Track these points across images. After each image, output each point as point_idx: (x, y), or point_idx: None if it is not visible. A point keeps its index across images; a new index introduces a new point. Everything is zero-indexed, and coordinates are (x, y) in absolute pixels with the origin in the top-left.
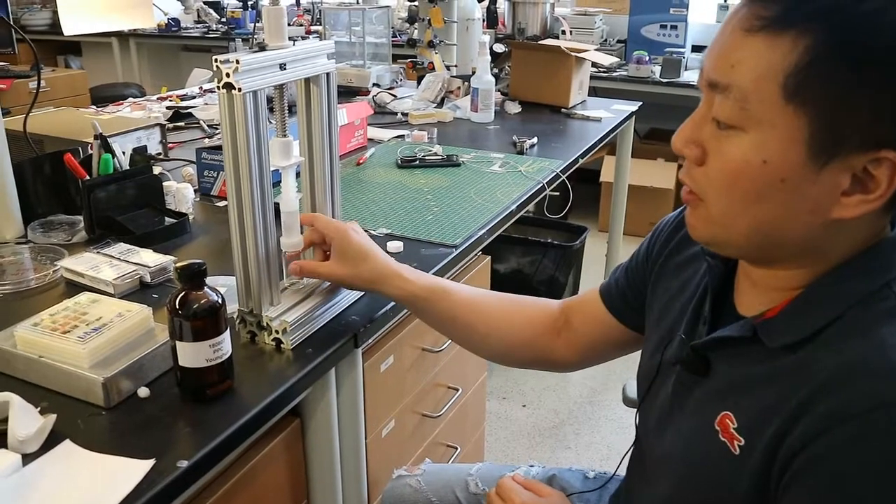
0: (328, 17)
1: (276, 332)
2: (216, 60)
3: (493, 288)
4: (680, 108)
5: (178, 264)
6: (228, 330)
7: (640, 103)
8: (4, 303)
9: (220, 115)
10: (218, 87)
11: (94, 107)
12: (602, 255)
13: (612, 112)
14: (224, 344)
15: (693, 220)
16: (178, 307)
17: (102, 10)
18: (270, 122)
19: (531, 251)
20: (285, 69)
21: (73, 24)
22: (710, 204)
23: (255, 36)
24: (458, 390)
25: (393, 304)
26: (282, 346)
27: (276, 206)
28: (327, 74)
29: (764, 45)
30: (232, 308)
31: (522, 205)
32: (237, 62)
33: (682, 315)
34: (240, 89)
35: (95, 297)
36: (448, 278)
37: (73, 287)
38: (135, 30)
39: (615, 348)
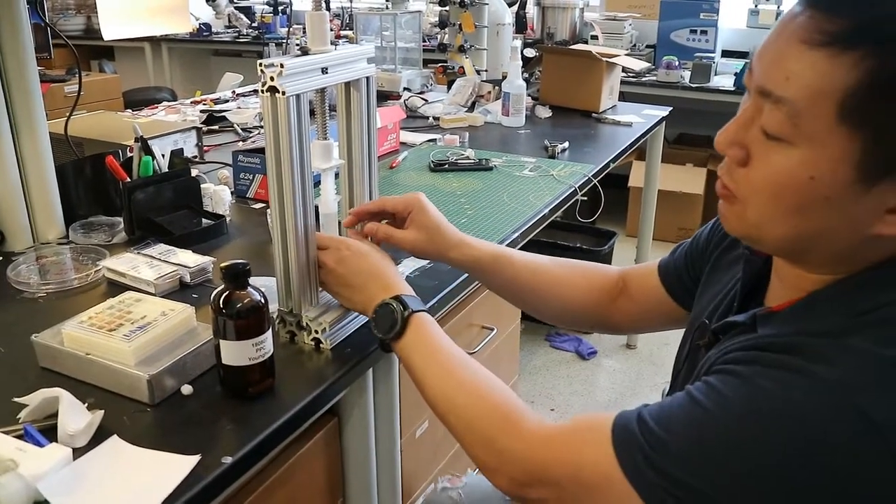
0: (359, 22)
1: (316, 332)
2: (260, 64)
3: None
4: (709, 113)
5: (223, 264)
6: (271, 329)
7: (671, 108)
8: (48, 302)
9: (263, 118)
10: (262, 91)
11: (130, 110)
12: (631, 260)
13: (643, 117)
14: (266, 343)
15: (727, 214)
16: (221, 306)
17: (141, 15)
18: (311, 125)
19: (560, 255)
20: (327, 73)
21: (112, 29)
22: (747, 206)
23: (289, 41)
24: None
25: (429, 305)
26: (321, 346)
27: (316, 207)
28: (367, 78)
29: (824, 62)
30: (272, 308)
31: (555, 209)
32: (281, 66)
33: (720, 305)
34: (283, 92)
35: (139, 296)
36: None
37: (115, 287)
38: (167, 35)
39: (666, 322)
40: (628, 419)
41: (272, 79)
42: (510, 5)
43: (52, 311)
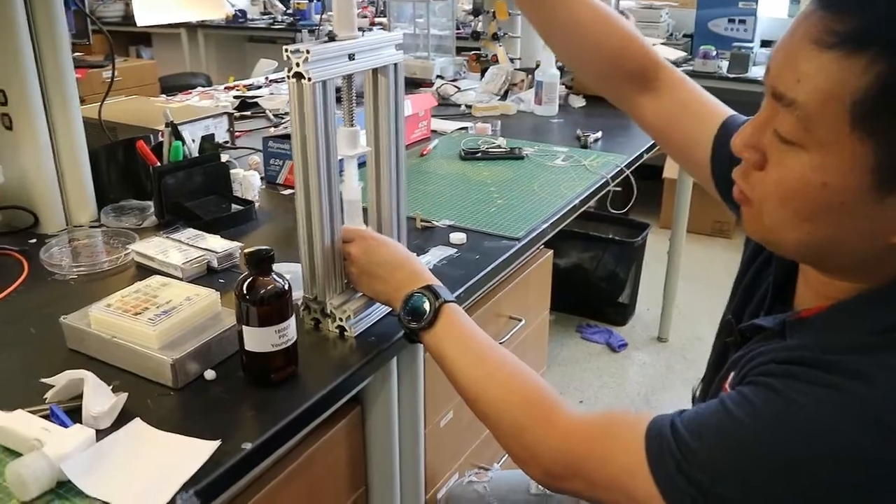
0: (392, 9)
1: (340, 319)
2: (286, 50)
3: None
4: (747, 104)
5: (247, 250)
6: (294, 316)
7: None
8: (79, 284)
9: (289, 105)
10: (288, 77)
11: (164, 95)
12: (664, 252)
13: None
14: (289, 329)
15: (746, 218)
16: (245, 292)
17: (175, 2)
18: (338, 111)
19: (592, 246)
20: (354, 59)
21: (146, 15)
22: (763, 210)
23: (321, 27)
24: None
25: (455, 295)
26: (345, 333)
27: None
28: (395, 65)
29: (834, 64)
30: (297, 295)
31: (586, 199)
32: (307, 52)
33: (748, 300)
34: (309, 79)
35: (165, 280)
36: (510, 271)
37: (143, 270)
38: (203, 21)
39: (679, 152)
40: (662, 424)
41: (298, 65)
42: None
43: (82, 293)
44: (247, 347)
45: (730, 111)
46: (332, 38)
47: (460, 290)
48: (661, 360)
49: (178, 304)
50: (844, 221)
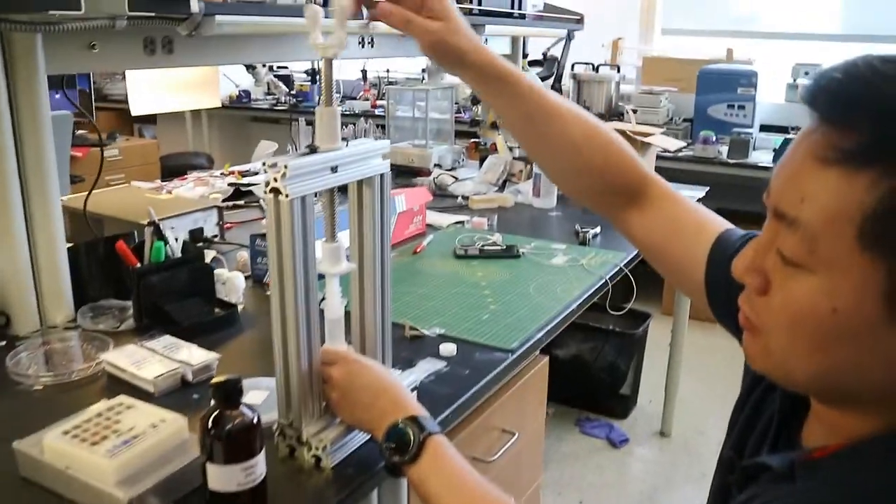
0: (392, 95)
1: (317, 448)
2: (264, 165)
3: (550, 375)
4: (748, 188)
5: (213, 381)
6: (264, 449)
7: (707, 188)
8: (44, 396)
9: (266, 220)
10: (265, 192)
11: (160, 181)
12: (666, 340)
13: None
14: (257, 467)
15: (750, 349)
16: (210, 426)
17: (170, 90)
18: (320, 214)
19: (592, 338)
20: (337, 172)
21: (141, 104)
22: (770, 338)
23: None
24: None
25: (444, 415)
26: (321, 464)
27: (321, 312)
28: (381, 176)
29: (839, 181)
30: (272, 416)
31: (583, 304)
32: (285, 167)
33: (748, 432)
34: (287, 195)
35: (131, 402)
36: (503, 381)
37: (114, 382)
38: None
39: (671, 270)
40: None
41: (275, 180)
42: (544, 80)
43: (46, 408)
44: (211, 486)
45: (725, 224)
46: (313, 150)
47: (448, 412)
48: (665, 456)
49: (141, 432)
50: (860, 350)
